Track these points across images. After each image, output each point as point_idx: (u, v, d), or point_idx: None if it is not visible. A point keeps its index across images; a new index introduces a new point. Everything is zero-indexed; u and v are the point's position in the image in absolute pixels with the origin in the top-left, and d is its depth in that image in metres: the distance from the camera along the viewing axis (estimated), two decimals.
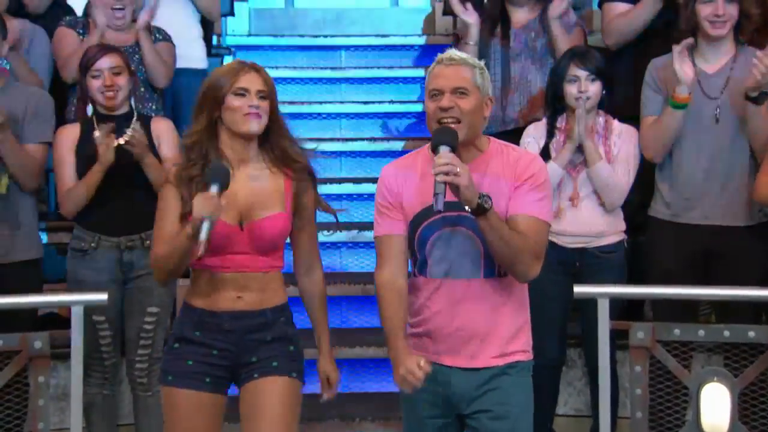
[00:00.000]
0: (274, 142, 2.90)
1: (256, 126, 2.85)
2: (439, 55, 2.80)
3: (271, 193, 2.87)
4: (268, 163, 2.90)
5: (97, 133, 3.72)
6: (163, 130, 3.89)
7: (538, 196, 2.75)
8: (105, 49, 3.83)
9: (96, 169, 3.71)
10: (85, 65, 3.80)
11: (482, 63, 2.84)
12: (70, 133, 3.83)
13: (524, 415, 2.83)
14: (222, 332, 2.86)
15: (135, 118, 3.87)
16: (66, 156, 3.79)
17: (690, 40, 3.68)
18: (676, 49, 3.66)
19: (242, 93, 2.83)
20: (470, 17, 4.46)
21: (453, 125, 2.72)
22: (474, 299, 2.76)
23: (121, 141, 3.70)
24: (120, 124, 3.82)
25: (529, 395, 2.86)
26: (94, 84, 3.79)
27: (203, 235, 2.67)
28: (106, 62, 3.78)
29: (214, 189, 2.71)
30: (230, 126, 2.85)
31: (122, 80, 3.80)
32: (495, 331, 2.79)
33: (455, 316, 2.77)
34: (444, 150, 2.63)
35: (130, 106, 3.89)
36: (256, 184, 2.87)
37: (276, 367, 2.86)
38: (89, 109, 3.84)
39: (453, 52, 2.80)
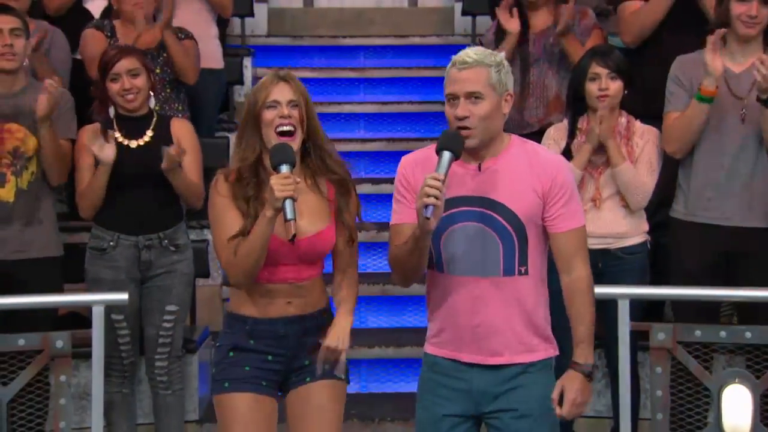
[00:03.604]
0: (313, 153, 2.88)
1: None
2: (454, 57, 2.76)
3: (318, 206, 2.86)
4: (309, 175, 2.88)
5: (88, 141, 3.74)
6: (182, 131, 3.90)
7: (574, 205, 2.78)
8: (123, 51, 3.84)
9: (100, 170, 3.74)
10: (104, 68, 3.82)
11: (501, 56, 2.78)
12: (89, 134, 3.85)
13: (548, 412, 2.79)
14: (276, 338, 2.87)
15: (155, 119, 3.89)
16: (85, 157, 3.82)
17: (723, 31, 3.66)
18: (710, 39, 3.64)
19: (273, 105, 2.81)
20: (512, 26, 4.46)
21: (469, 131, 2.70)
22: (494, 297, 2.75)
23: (163, 166, 3.71)
24: (140, 125, 3.85)
25: (552, 391, 2.82)
26: (113, 87, 3.80)
27: (290, 214, 2.67)
28: (124, 65, 3.79)
29: (285, 169, 2.70)
30: (267, 142, 2.82)
31: (141, 82, 3.82)
32: (515, 329, 2.77)
33: (475, 314, 2.76)
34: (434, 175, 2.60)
35: (149, 107, 3.90)
36: (303, 197, 2.82)
37: (328, 371, 2.88)
38: (111, 111, 3.87)
39: (467, 54, 2.74)
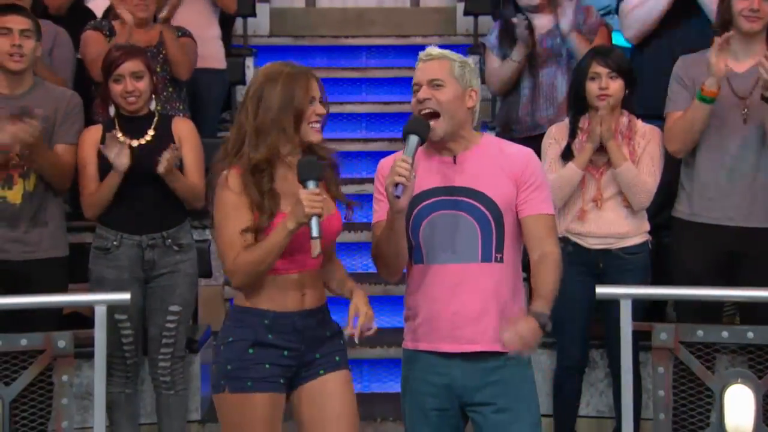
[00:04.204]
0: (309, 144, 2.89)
1: (320, 136, 2.85)
2: (420, 53, 2.87)
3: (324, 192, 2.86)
4: None
5: (102, 145, 3.74)
6: (185, 131, 3.91)
7: (545, 194, 2.86)
8: (128, 52, 3.83)
9: (112, 175, 3.75)
10: (108, 68, 3.82)
11: (468, 59, 2.90)
12: (93, 134, 3.86)
13: (527, 406, 2.86)
14: (294, 332, 2.86)
15: (156, 118, 3.89)
16: (88, 158, 3.82)
17: (730, 33, 3.66)
18: (717, 40, 3.65)
19: (312, 102, 2.83)
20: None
21: (436, 120, 2.78)
22: (471, 283, 2.81)
23: (160, 169, 3.70)
24: (141, 124, 3.86)
25: (531, 386, 2.90)
26: (116, 88, 3.80)
27: (315, 232, 2.67)
28: (128, 67, 3.79)
29: (312, 185, 2.70)
30: (303, 136, 2.82)
31: (144, 84, 3.82)
32: (492, 315, 2.82)
33: (453, 301, 2.81)
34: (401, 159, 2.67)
35: (149, 108, 3.90)
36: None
37: (339, 362, 2.91)
38: (111, 110, 3.87)
39: (431, 49, 2.87)
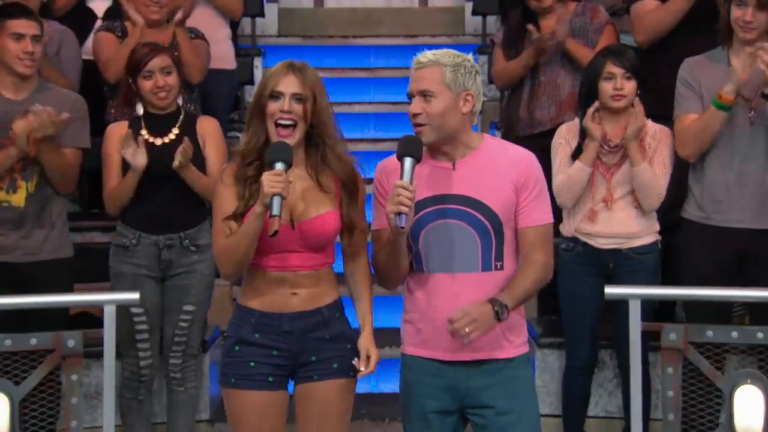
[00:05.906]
0: (317, 145, 2.86)
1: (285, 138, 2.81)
2: (413, 59, 2.84)
3: (320, 196, 2.85)
4: (313, 166, 2.87)
5: (124, 146, 3.75)
6: (209, 129, 3.92)
7: (543, 203, 2.85)
8: (155, 49, 3.86)
9: (130, 175, 3.77)
10: (136, 66, 3.82)
11: (465, 57, 2.84)
12: (119, 131, 3.86)
13: (529, 407, 2.87)
14: (281, 333, 2.86)
15: (182, 117, 3.90)
16: (113, 155, 3.83)
17: (765, 44, 3.61)
18: (748, 49, 3.60)
19: (277, 96, 2.79)
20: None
21: (422, 128, 2.77)
22: (473, 292, 2.79)
23: (175, 164, 3.72)
24: (167, 123, 3.87)
25: (531, 387, 2.91)
26: (146, 84, 3.82)
27: (276, 210, 2.66)
28: (157, 63, 3.81)
29: (279, 166, 2.70)
30: (269, 132, 2.82)
31: (173, 80, 3.84)
32: (494, 323, 2.80)
33: (453, 310, 2.78)
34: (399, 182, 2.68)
35: (177, 104, 3.92)
36: (306, 183, 2.85)
37: (336, 369, 2.88)
38: (140, 109, 3.87)
39: (423, 54, 2.83)
